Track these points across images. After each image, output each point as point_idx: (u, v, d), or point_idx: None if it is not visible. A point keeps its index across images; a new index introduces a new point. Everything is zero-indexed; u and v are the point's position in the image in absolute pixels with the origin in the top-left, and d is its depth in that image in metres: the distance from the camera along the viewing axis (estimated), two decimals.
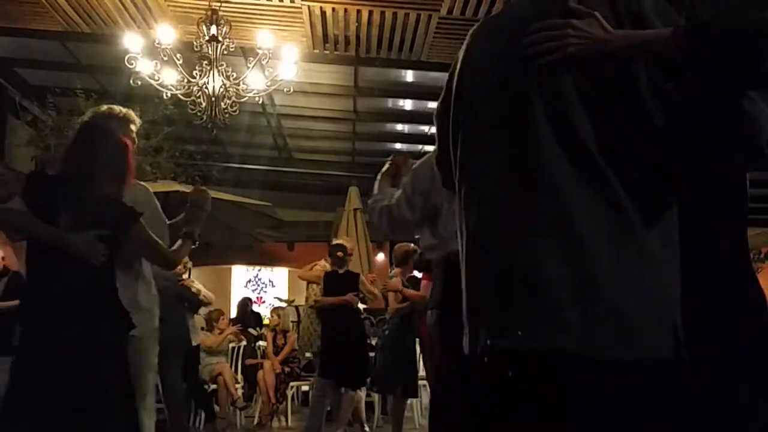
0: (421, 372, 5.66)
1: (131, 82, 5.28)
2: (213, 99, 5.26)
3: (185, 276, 5.89)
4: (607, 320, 1.24)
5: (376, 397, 6.73)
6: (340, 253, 5.64)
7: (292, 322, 8.05)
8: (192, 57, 5.44)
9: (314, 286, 5.66)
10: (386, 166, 2.76)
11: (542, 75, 1.34)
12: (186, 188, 6.88)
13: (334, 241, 5.90)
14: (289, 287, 11.39)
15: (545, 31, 1.33)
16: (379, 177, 2.74)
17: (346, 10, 5.74)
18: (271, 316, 7.82)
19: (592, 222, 1.27)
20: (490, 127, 1.42)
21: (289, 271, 11.47)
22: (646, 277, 1.27)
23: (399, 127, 9.30)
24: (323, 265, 5.79)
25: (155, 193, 6.85)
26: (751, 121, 1.23)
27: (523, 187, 1.33)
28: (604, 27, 1.30)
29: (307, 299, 5.64)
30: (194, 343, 6.32)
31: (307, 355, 7.22)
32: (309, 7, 5.69)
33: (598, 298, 1.25)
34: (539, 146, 1.32)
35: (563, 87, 1.31)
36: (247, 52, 5.93)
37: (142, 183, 2.89)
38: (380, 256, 10.67)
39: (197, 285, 6.35)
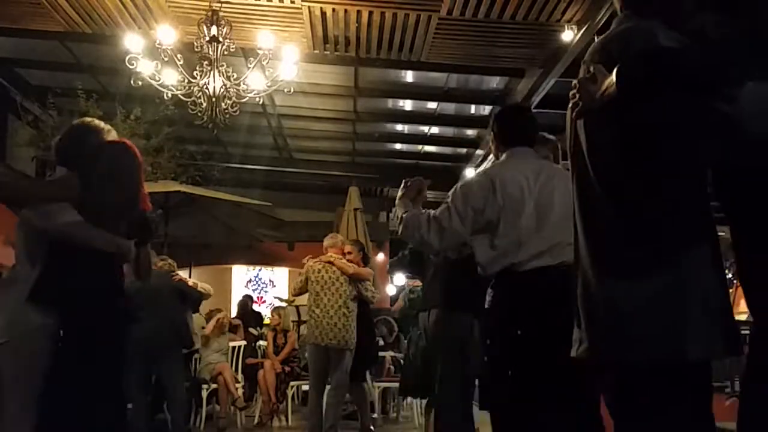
0: None
1: (132, 82, 5.29)
2: (213, 99, 5.27)
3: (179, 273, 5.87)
4: (612, 329, 1.58)
5: (376, 396, 6.76)
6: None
7: (293, 321, 8.07)
8: (192, 57, 5.46)
9: (362, 284, 5.56)
10: (405, 189, 2.90)
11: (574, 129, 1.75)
12: (187, 188, 6.92)
13: (349, 240, 5.91)
14: (289, 287, 11.39)
15: (571, 92, 1.72)
16: (400, 198, 2.89)
17: (346, 10, 5.76)
18: (272, 316, 7.84)
19: (609, 241, 1.62)
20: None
21: (289, 270, 11.47)
22: (645, 288, 1.53)
23: (399, 127, 9.32)
24: (344, 259, 5.68)
25: (155, 192, 6.93)
26: (729, 118, 1.42)
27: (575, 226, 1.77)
28: (595, 78, 1.61)
29: (340, 296, 5.43)
30: (195, 346, 6.31)
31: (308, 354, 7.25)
32: (309, 7, 5.71)
33: (601, 312, 1.60)
34: (576, 185, 1.74)
35: (586, 134, 1.71)
36: (247, 53, 5.94)
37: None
38: (380, 256, 10.68)
39: (192, 279, 6.35)
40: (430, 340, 4.22)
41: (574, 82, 1.70)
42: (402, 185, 2.93)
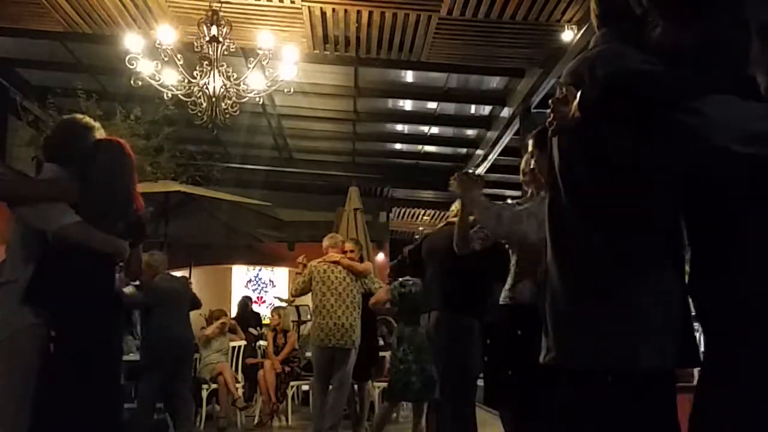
0: None
1: (132, 82, 5.29)
2: (213, 99, 5.27)
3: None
4: (577, 338, 1.68)
5: (376, 396, 6.75)
6: None
7: (293, 321, 8.07)
8: (192, 57, 5.46)
9: (369, 278, 5.59)
10: (472, 183, 3.05)
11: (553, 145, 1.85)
12: (187, 188, 6.93)
13: (349, 239, 5.94)
14: (289, 287, 11.40)
15: (548, 111, 1.80)
16: (472, 191, 3.05)
17: (346, 10, 5.76)
18: (272, 316, 7.84)
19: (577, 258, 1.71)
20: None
21: (289, 271, 11.48)
22: (609, 299, 1.62)
23: (399, 127, 9.32)
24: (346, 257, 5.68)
25: (155, 192, 6.92)
26: (693, 129, 1.47)
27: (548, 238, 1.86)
28: (567, 100, 1.70)
29: (347, 296, 5.42)
30: None
31: (308, 354, 7.24)
32: (309, 7, 5.71)
33: (567, 322, 1.71)
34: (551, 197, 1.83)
35: (559, 152, 1.81)
36: (247, 53, 5.94)
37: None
38: (380, 256, 10.68)
39: None
40: (430, 341, 4.22)
41: (550, 101, 1.80)
42: (464, 179, 3.05)
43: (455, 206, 4.46)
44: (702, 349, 1.64)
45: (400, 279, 5.04)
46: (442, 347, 4.05)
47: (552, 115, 1.77)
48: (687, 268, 1.67)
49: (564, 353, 1.71)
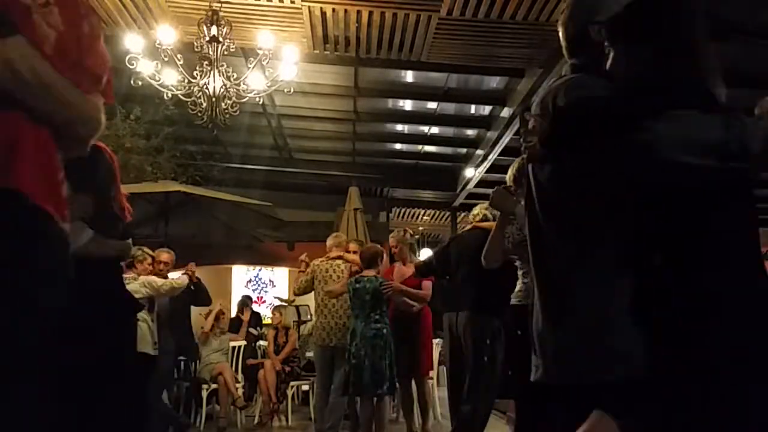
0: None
1: (132, 82, 5.29)
2: (213, 99, 5.27)
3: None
4: (557, 355, 1.78)
5: None
6: None
7: (293, 321, 8.07)
8: (193, 57, 5.46)
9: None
10: (510, 195, 3.11)
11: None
12: (187, 188, 6.93)
13: (352, 239, 5.95)
14: (289, 287, 11.39)
15: (521, 140, 1.90)
16: (515, 205, 3.08)
17: (346, 10, 5.76)
18: (273, 314, 7.84)
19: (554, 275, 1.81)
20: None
21: (289, 270, 11.47)
22: (584, 318, 1.70)
23: (399, 127, 9.32)
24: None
25: (155, 193, 6.89)
26: (648, 144, 1.54)
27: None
28: (535, 130, 1.79)
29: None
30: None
31: (308, 354, 7.25)
32: (309, 7, 5.71)
33: (545, 342, 1.81)
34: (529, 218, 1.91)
35: (533, 177, 1.89)
36: (247, 53, 5.94)
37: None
38: None
39: None
40: (456, 340, 4.26)
41: (522, 131, 1.92)
42: (504, 194, 3.07)
43: (478, 210, 4.49)
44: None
45: (356, 275, 5.07)
46: (470, 347, 4.10)
47: (523, 146, 1.87)
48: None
49: (549, 371, 1.79)
